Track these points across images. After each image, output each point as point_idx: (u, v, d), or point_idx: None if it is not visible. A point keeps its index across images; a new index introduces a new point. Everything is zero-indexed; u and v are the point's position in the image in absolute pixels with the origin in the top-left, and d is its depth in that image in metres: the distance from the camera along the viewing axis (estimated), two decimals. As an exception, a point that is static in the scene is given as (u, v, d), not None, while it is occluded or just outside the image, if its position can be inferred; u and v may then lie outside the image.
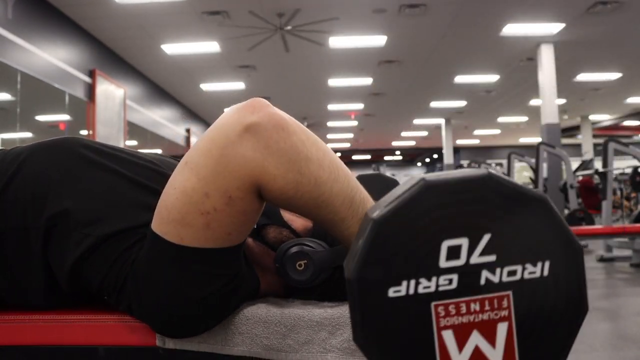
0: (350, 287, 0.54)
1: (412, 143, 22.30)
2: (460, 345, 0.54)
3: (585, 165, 11.15)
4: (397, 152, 25.81)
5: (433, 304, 0.54)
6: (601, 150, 5.97)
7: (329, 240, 0.91)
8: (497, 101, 13.36)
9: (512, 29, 7.93)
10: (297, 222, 0.94)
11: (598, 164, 6.86)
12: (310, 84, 11.43)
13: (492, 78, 10.97)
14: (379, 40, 8.35)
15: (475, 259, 0.54)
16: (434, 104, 13.80)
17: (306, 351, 0.82)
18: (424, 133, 19.11)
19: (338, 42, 8.41)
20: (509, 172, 8.54)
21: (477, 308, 0.54)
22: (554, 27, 7.93)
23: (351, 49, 8.81)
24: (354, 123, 16.68)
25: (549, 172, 8.64)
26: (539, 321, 0.54)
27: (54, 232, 0.82)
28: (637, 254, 5.34)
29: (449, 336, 0.53)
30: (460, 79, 10.99)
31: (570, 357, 1.92)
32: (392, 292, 0.53)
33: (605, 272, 5.18)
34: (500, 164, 12.31)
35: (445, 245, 0.53)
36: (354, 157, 26.54)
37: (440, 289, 0.53)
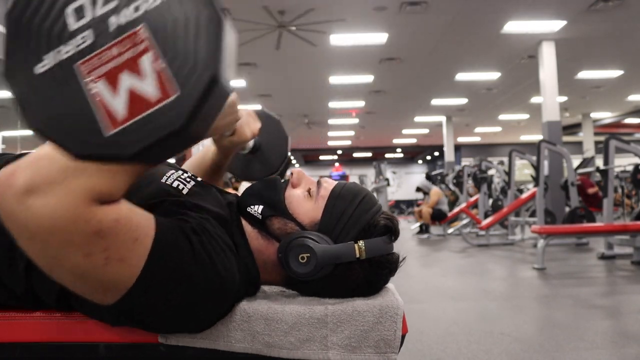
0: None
1: (413, 141, 22.31)
2: (115, 90, 0.57)
3: (586, 163, 11.16)
4: (398, 150, 25.82)
5: (77, 64, 0.57)
6: (602, 148, 5.97)
7: (334, 236, 0.91)
8: (498, 99, 13.35)
9: (514, 27, 7.93)
10: (304, 215, 0.94)
11: (599, 162, 6.86)
12: (311, 81, 11.43)
13: (493, 75, 10.96)
14: (380, 37, 8.35)
15: (100, 10, 0.57)
16: (435, 102, 13.80)
17: (307, 348, 0.83)
18: (425, 131, 19.12)
19: (339, 39, 8.41)
20: (510, 169, 8.54)
21: (117, 51, 0.57)
22: (556, 25, 7.93)
23: (352, 47, 8.81)
24: (355, 121, 16.69)
25: (550, 170, 8.64)
26: (181, 37, 0.56)
27: None
28: (638, 251, 5.34)
29: (102, 86, 0.57)
30: (461, 76, 10.99)
31: (571, 354, 1.93)
32: (39, 69, 0.57)
33: (606, 270, 5.18)
34: (502, 162, 12.28)
35: (70, 9, 0.57)
36: (355, 155, 26.56)
37: (80, 48, 0.57)
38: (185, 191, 0.95)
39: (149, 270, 0.72)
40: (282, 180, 1.03)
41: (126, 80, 0.57)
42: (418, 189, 11.63)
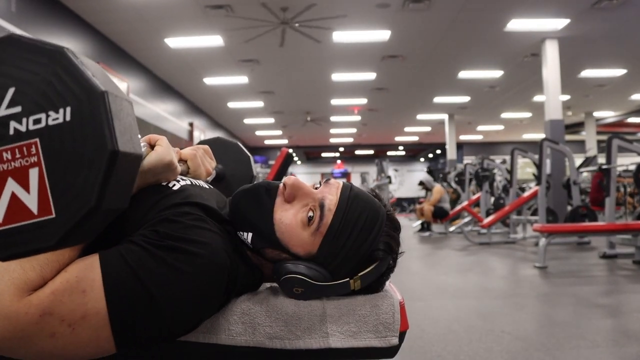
0: None
1: (415, 138, 22.29)
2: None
3: (588, 162, 11.14)
4: (400, 148, 25.78)
5: None
6: (605, 147, 5.96)
7: (330, 270, 0.89)
8: (501, 97, 13.33)
9: (517, 25, 7.90)
10: (299, 247, 0.89)
11: (602, 161, 6.85)
12: (313, 78, 11.42)
13: (496, 74, 10.94)
14: (382, 35, 8.33)
15: (2, 111, 0.58)
16: (438, 100, 13.78)
17: (308, 337, 0.83)
18: (427, 128, 19.10)
19: (342, 36, 8.39)
20: (512, 168, 8.53)
21: (9, 157, 0.58)
22: (559, 23, 7.91)
23: (355, 44, 8.80)
24: (357, 118, 16.68)
25: (552, 169, 8.63)
26: (69, 163, 0.57)
27: None
28: (639, 250, 5.33)
29: None
30: (463, 74, 10.97)
31: (571, 353, 1.93)
32: None
33: (607, 269, 5.18)
34: (504, 160, 12.26)
35: None
36: (357, 152, 26.54)
37: None
38: (175, 187, 0.94)
39: (114, 307, 0.72)
40: (269, 190, 0.95)
41: (10, 186, 0.58)
42: (421, 183, 11.63)
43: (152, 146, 0.92)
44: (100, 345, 0.73)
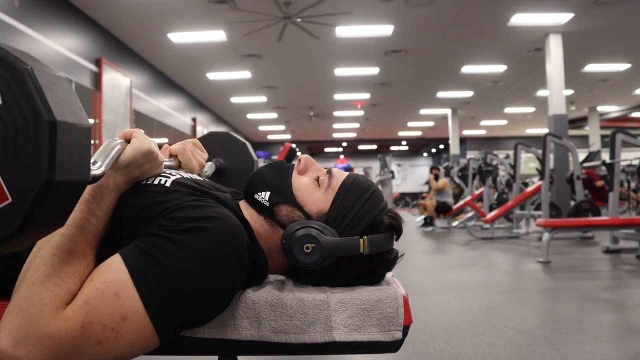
0: None
1: (418, 133, 22.26)
2: None
3: (592, 156, 11.11)
4: (404, 142, 25.76)
5: None
6: (608, 142, 5.94)
7: (340, 229, 0.91)
8: (504, 92, 13.30)
9: (520, 19, 7.88)
10: (312, 204, 0.94)
11: (605, 156, 6.84)
12: (316, 73, 11.41)
13: (500, 68, 10.91)
14: (385, 29, 8.31)
15: None
16: (441, 94, 13.75)
17: (313, 331, 0.83)
18: (430, 123, 19.06)
19: (345, 31, 8.38)
20: (516, 162, 8.52)
21: None
22: (563, 17, 7.88)
23: (358, 39, 8.78)
24: (360, 113, 16.65)
25: (555, 163, 8.61)
26: (13, 144, 0.55)
27: None
28: (643, 245, 5.33)
29: None
30: (467, 69, 10.94)
31: (574, 347, 1.93)
32: None
33: (611, 264, 5.17)
34: (507, 155, 12.24)
35: None
36: (360, 147, 26.52)
37: None
38: (168, 184, 0.95)
39: (151, 299, 0.73)
40: (287, 165, 1.02)
41: None
42: (433, 167, 11.50)
43: (128, 141, 0.92)
44: (146, 341, 0.74)
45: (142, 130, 0.95)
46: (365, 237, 0.90)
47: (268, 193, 0.95)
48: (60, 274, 0.73)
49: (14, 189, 0.56)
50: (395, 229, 0.95)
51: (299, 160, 1.00)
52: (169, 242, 0.77)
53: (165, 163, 1.03)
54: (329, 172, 0.98)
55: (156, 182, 0.95)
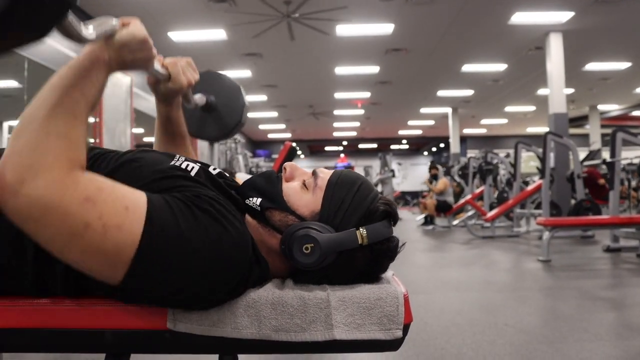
0: None
1: (418, 132, 22.26)
2: None
3: (592, 155, 11.10)
4: (404, 141, 25.75)
5: None
6: (609, 141, 5.94)
7: (336, 225, 0.92)
8: (505, 90, 13.29)
9: (521, 18, 7.87)
10: (303, 207, 0.95)
11: (606, 154, 6.84)
12: (316, 72, 11.40)
13: (500, 67, 10.90)
14: (386, 28, 8.31)
15: None
16: (441, 93, 13.74)
17: (313, 329, 0.84)
18: (431, 122, 19.06)
19: (345, 30, 8.38)
20: (516, 161, 8.52)
21: None
22: (563, 16, 7.87)
23: (358, 37, 8.78)
24: (361, 111, 16.65)
25: (556, 162, 8.61)
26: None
27: None
28: (643, 244, 5.33)
29: None
30: (467, 67, 10.94)
31: (575, 346, 1.93)
32: None
33: (611, 263, 5.17)
34: (508, 154, 12.24)
35: None
36: (360, 146, 26.52)
37: None
38: (193, 172, 0.97)
39: (148, 237, 0.75)
40: (277, 174, 1.03)
41: None
42: (432, 165, 11.47)
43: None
44: (114, 265, 0.76)
45: (139, 20, 0.96)
46: (361, 228, 0.91)
47: (259, 199, 0.96)
48: (73, 136, 0.77)
49: None
50: (390, 214, 0.95)
51: (284, 168, 1.01)
52: (191, 212, 0.80)
53: (156, 67, 1.06)
54: (314, 173, 0.99)
55: (183, 166, 0.98)
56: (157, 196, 0.81)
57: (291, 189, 0.97)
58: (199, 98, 1.43)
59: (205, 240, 0.79)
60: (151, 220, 0.76)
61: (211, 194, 0.88)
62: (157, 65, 1.07)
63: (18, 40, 0.61)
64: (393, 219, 0.96)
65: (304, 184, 0.97)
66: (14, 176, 0.70)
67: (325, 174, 0.98)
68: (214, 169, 1.06)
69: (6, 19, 0.54)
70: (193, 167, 0.98)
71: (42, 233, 0.73)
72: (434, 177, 11.06)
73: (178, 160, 1.00)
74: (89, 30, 0.76)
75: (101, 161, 0.97)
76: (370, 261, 0.93)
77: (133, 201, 0.77)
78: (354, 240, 0.90)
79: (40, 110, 0.76)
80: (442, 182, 10.58)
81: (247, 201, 0.98)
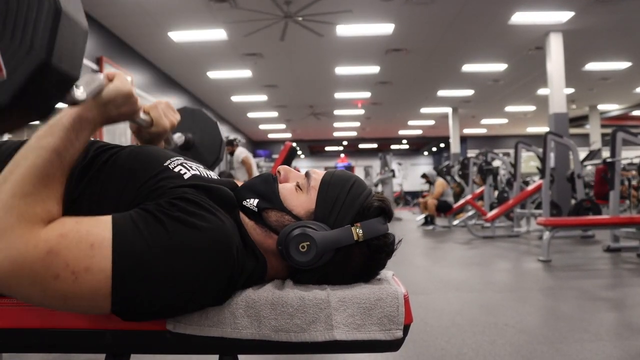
0: None
1: (418, 132, 22.25)
2: None
3: (593, 155, 11.10)
4: (404, 141, 25.75)
5: None
6: (609, 140, 5.94)
7: (331, 223, 0.92)
8: (505, 90, 13.29)
9: (521, 18, 7.87)
10: (299, 207, 0.96)
11: (606, 154, 6.84)
12: (317, 72, 11.40)
13: (500, 67, 10.90)
14: (386, 28, 8.31)
15: None
16: (441, 93, 13.74)
17: (314, 330, 0.83)
18: (431, 122, 19.06)
19: (345, 30, 8.37)
20: (516, 161, 8.52)
21: None
22: (563, 16, 7.87)
23: (358, 37, 8.77)
24: (361, 112, 16.65)
25: (556, 162, 8.61)
26: (15, 25, 0.57)
27: None
28: (644, 244, 5.33)
29: None
30: (467, 67, 10.94)
31: (575, 346, 1.93)
32: None
33: (611, 263, 5.17)
34: (508, 154, 12.24)
35: None
36: (361, 146, 26.51)
37: None
38: (186, 176, 0.97)
39: (119, 269, 0.75)
40: (273, 177, 1.04)
41: None
42: (424, 176, 11.61)
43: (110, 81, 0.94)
44: (97, 302, 0.76)
45: (123, 74, 0.96)
46: (357, 225, 0.91)
47: (256, 200, 0.97)
48: (41, 195, 0.77)
49: (11, 65, 0.57)
50: (385, 210, 0.96)
51: (278, 171, 1.03)
52: (161, 225, 0.79)
53: (140, 114, 1.07)
54: (307, 174, 1.00)
55: (176, 170, 0.98)
56: (122, 217, 0.80)
57: (287, 190, 0.98)
58: (177, 137, 1.45)
59: (179, 251, 0.78)
60: (119, 249, 0.76)
61: (189, 191, 0.88)
62: (140, 114, 1.07)
63: (26, 119, 0.65)
64: (387, 215, 0.97)
65: (298, 186, 0.98)
66: None
67: (317, 175, 0.99)
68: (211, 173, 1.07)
69: (15, 104, 0.59)
70: (186, 173, 0.98)
71: (16, 291, 0.74)
72: (429, 184, 11.10)
73: (172, 162, 1.01)
74: (80, 90, 0.76)
75: (102, 155, 0.99)
76: (368, 258, 0.94)
77: (97, 235, 0.76)
78: (350, 237, 0.90)
79: (13, 174, 0.77)
80: (439, 184, 10.56)
81: (244, 202, 0.98)
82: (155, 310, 0.80)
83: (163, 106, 1.21)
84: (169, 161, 1.00)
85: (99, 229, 0.77)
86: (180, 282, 0.78)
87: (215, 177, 1.07)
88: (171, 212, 0.81)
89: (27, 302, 0.77)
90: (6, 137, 7.55)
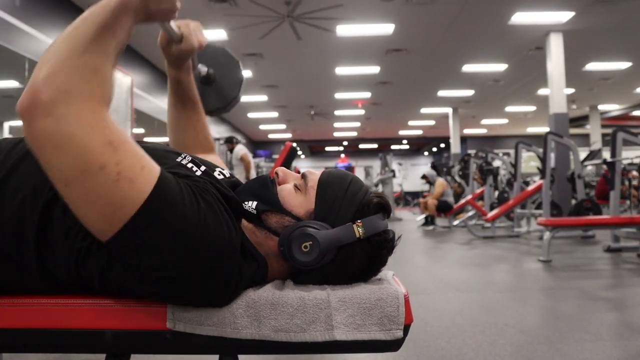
0: None
1: (419, 132, 22.26)
2: None
3: (593, 155, 11.10)
4: (404, 141, 25.76)
5: None
6: (609, 141, 5.94)
7: (331, 221, 0.92)
8: (505, 90, 13.29)
9: (521, 18, 7.88)
10: (298, 207, 0.95)
11: (606, 154, 6.83)
12: (317, 72, 11.41)
13: (500, 67, 10.91)
14: (386, 28, 8.31)
15: None
16: (442, 93, 13.75)
17: (313, 330, 0.83)
18: (431, 122, 19.07)
19: (345, 30, 8.38)
20: (517, 161, 8.52)
21: None
22: (564, 16, 7.88)
23: (359, 37, 8.78)
24: (361, 112, 16.65)
25: (556, 162, 8.61)
26: None
27: (49, 217, 0.87)
28: (644, 244, 5.32)
29: None
30: (468, 67, 10.94)
31: (575, 346, 1.93)
32: None
33: (612, 263, 5.17)
34: (508, 154, 12.25)
35: None
36: (361, 146, 26.51)
37: None
38: (198, 173, 0.99)
39: (153, 200, 0.76)
40: (271, 179, 1.04)
41: None
42: (423, 177, 11.62)
43: None
44: (112, 217, 0.76)
45: None
46: (357, 222, 0.91)
47: (255, 202, 0.97)
48: (105, 74, 0.79)
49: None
50: (384, 207, 0.96)
51: (276, 173, 1.03)
52: (195, 198, 0.83)
53: (172, 24, 1.10)
54: (303, 175, 1.00)
55: (189, 166, 1.01)
56: (169, 174, 0.83)
57: (285, 191, 0.98)
58: (200, 68, 1.47)
59: (201, 224, 0.80)
60: (160, 188, 0.77)
61: (214, 192, 0.90)
62: (172, 23, 1.09)
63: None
64: (386, 211, 0.97)
65: (296, 187, 0.98)
66: (50, 96, 0.71)
67: (314, 175, 0.99)
68: (219, 173, 1.07)
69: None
70: (197, 170, 1.00)
71: (56, 161, 0.73)
72: (429, 184, 11.10)
73: (184, 159, 1.03)
74: None
75: None
76: (369, 254, 0.93)
77: (149, 165, 0.79)
78: (351, 235, 0.90)
79: (78, 41, 0.77)
80: (439, 184, 10.56)
81: (243, 205, 0.98)
82: (144, 266, 0.79)
83: (194, 25, 1.22)
84: (180, 157, 1.02)
85: (151, 162, 0.80)
86: (188, 248, 0.79)
87: (221, 177, 1.07)
88: (205, 196, 0.85)
89: (52, 175, 0.75)
90: (6, 135, 7.55)
